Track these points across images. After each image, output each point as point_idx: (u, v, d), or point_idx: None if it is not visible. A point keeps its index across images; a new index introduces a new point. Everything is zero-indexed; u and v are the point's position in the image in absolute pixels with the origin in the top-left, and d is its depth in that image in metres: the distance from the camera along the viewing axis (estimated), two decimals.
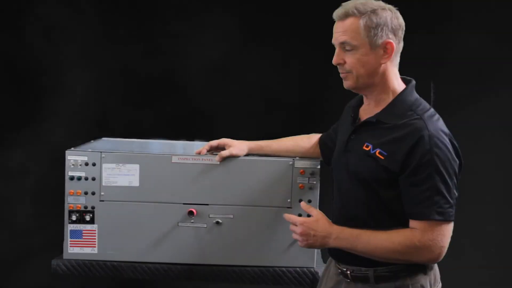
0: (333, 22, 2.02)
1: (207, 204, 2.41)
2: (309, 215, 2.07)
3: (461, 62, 3.66)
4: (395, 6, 2.00)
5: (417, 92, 2.03)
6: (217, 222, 2.41)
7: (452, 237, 1.93)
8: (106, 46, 3.86)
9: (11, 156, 3.84)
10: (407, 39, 2.03)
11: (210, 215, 2.42)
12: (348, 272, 2.04)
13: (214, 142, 2.44)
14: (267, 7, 3.72)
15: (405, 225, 1.92)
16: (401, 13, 2.01)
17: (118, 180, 2.40)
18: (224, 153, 2.39)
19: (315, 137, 2.47)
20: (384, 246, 1.90)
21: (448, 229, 1.89)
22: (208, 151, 2.43)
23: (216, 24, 3.75)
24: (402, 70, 2.06)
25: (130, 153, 2.42)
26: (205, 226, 2.42)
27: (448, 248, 1.93)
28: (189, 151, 2.49)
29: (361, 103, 2.11)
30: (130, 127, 3.71)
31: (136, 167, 2.40)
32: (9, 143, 3.85)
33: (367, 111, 2.06)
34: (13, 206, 3.85)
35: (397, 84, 2.02)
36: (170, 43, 3.79)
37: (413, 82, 2.04)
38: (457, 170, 1.91)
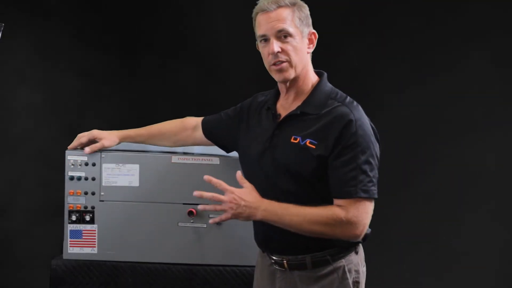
0: None
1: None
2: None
3: None
4: None
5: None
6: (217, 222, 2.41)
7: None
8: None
9: (11, 157, 3.85)
10: None
11: (210, 215, 2.41)
12: (284, 261, 2.07)
13: (84, 138, 2.41)
14: None
15: None
16: None
17: (118, 180, 2.40)
18: (96, 145, 2.38)
19: (190, 121, 2.42)
20: (311, 219, 1.94)
21: (370, 207, 1.97)
22: (78, 146, 2.42)
23: None
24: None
25: (130, 153, 2.42)
26: (205, 226, 2.42)
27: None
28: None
29: (275, 100, 2.14)
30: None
31: (136, 167, 2.40)
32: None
33: (285, 105, 2.10)
34: (13, 206, 3.85)
35: (313, 75, 2.10)
36: None
37: (325, 73, 2.12)
38: (378, 153, 2.00)
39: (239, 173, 2.05)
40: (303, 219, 1.94)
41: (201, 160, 2.40)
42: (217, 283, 2.42)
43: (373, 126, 2.03)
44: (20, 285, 3.86)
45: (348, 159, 1.93)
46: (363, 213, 1.94)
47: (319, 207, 1.95)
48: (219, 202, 1.99)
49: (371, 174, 1.95)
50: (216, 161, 2.40)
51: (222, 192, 2.00)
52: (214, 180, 2.02)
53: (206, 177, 2.03)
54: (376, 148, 2.00)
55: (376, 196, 1.97)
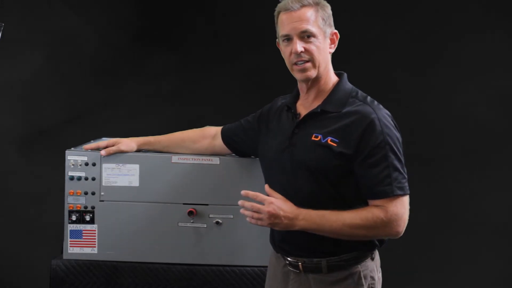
0: None
1: (207, 204, 2.42)
2: None
3: None
4: None
5: None
6: (217, 222, 2.41)
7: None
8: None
9: (11, 157, 3.85)
10: None
11: (210, 215, 2.42)
12: (300, 263, 2.06)
13: (103, 143, 2.43)
14: None
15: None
16: None
17: (118, 180, 2.41)
18: (112, 149, 2.39)
19: (210, 130, 2.44)
20: (352, 223, 1.93)
21: (407, 202, 1.97)
22: (94, 147, 2.42)
23: None
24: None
25: (130, 153, 2.42)
26: (205, 226, 2.42)
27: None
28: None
29: (295, 100, 2.15)
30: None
31: (136, 167, 2.41)
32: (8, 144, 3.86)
33: (305, 105, 2.10)
34: (13, 206, 3.85)
35: (333, 75, 2.11)
36: None
37: (345, 73, 2.12)
38: (401, 148, 2.01)
39: (267, 186, 2.05)
40: (342, 225, 1.93)
41: (201, 160, 2.40)
42: (217, 283, 2.42)
43: (395, 122, 2.03)
44: (20, 285, 3.86)
45: (379, 159, 1.93)
46: (402, 209, 1.94)
47: (356, 210, 1.95)
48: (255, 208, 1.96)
49: (402, 170, 1.96)
50: (216, 161, 2.40)
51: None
52: (251, 193, 1.97)
53: (243, 192, 1.98)
54: (400, 143, 2.00)
55: (409, 191, 1.97)
